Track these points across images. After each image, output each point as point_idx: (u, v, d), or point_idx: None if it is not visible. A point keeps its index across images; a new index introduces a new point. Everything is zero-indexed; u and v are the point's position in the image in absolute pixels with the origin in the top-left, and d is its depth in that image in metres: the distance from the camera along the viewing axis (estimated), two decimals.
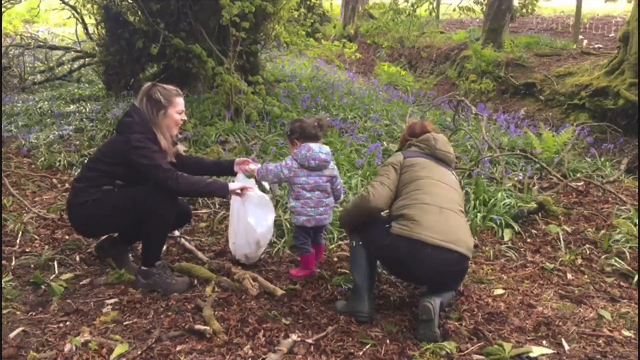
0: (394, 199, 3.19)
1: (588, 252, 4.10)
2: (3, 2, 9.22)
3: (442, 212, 3.04)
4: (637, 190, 5.33)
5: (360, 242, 3.20)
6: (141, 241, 3.58)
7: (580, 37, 12.59)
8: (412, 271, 3.13)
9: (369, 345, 2.87)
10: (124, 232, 3.68)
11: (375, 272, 3.35)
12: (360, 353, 2.80)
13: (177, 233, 4.20)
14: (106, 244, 3.77)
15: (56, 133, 6.90)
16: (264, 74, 8.25)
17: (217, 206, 4.87)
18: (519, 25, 15.39)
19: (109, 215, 3.39)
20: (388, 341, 2.92)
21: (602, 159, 6.43)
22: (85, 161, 3.58)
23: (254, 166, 3.77)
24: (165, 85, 3.54)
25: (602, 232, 4.37)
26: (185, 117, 3.61)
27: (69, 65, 11.27)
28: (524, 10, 13.67)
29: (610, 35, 12.95)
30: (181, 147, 3.70)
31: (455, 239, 2.98)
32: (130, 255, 3.82)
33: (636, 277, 3.71)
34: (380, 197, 3.16)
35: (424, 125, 3.52)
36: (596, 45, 11.81)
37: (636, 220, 4.45)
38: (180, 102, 3.51)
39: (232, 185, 3.54)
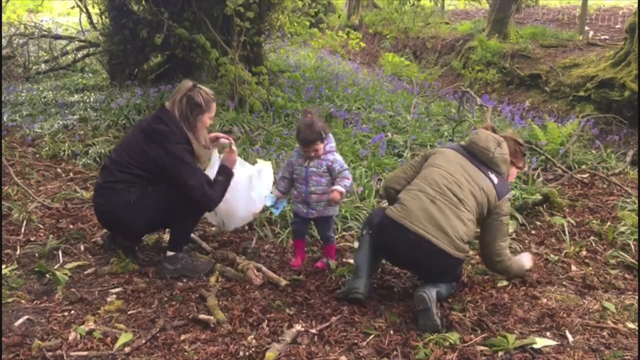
0: None
1: (593, 244, 4.09)
2: None
3: (434, 203, 3.03)
4: None
5: (370, 232, 3.23)
6: (170, 229, 3.67)
7: (587, 28, 12.52)
8: (395, 254, 3.23)
9: (372, 335, 2.87)
10: (156, 226, 3.69)
11: (378, 260, 3.37)
12: (364, 343, 2.80)
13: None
14: (119, 237, 3.76)
15: (60, 123, 6.90)
16: (268, 64, 8.24)
17: None
18: (525, 16, 15.31)
19: (153, 211, 3.43)
20: (392, 332, 2.92)
21: (608, 151, 6.39)
22: (109, 162, 3.51)
23: (225, 140, 3.80)
24: (205, 88, 3.52)
25: (607, 224, 4.35)
26: (212, 122, 3.66)
27: (73, 55, 11.24)
28: (530, 1, 13.58)
29: (616, 27, 12.87)
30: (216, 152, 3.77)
31: (437, 233, 2.97)
32: (136, 248, 3.82)
33: None
34: (391, 176, 3.42)
35: (487, 125, 3.55)
36: (602, 37, 11.74)
37: None
38: (214, 107, 3.55)
39: (225, 161, 3.60)
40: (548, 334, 2.91)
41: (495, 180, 3.19)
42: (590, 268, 3.75)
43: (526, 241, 4.19)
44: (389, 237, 3.11)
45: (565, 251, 3.98)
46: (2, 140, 6.29)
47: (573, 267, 3.76)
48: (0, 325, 2.82)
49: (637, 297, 3.35)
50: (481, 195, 3.12)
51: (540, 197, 4.66)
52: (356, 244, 3.76)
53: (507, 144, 3.33)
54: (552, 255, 3.91)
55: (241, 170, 3.80)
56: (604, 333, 2.93)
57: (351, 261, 3.68)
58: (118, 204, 3.39)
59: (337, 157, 3.57)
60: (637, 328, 2.97)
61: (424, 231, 2.98)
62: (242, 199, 3.77)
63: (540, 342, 2.77)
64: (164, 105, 3.55)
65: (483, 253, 3.33)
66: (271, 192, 3.69)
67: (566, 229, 4.25)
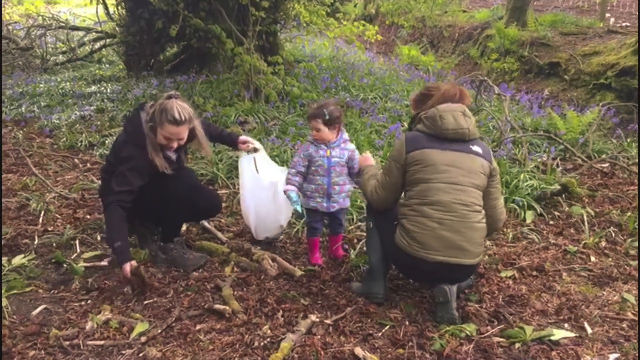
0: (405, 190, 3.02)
1: (612, 234, 4.03)
2: None
3: (443, 225, 2.81)
4: None
5: (375, 223, 3.16)
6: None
7: (607, 15, 12.29)
8: (415, 278, 3.22)
9: (387, 326, 2.86)
10: (149, 215, 3.69)
11: None
12: (379, 334, 2.79)
13: (205, 223, 4.12)
14: (136, 222, 3.77)
15: (77, 113, 6.95)
16: (284, 54, 8.19)
17: (237, 187, 4.86)
18: (544, 3, 15.06)
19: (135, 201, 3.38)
20: (407, 323, 2.90)
21: (629, 140, 6.28)
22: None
23: (258, 145, 3.78)
24: (177, 105, 3.23)
25: (628, 214, 4.28)
26: (174, 145, 3.33)
27: (90, 46, 11.30)
28: None
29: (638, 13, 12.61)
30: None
31: (459, 253, 2.82)
32: (155, 237, 3.83)
33: None
34: (382, 203, 3.07)
35: (442, 92, 3.05)
36: (623, 24, 11.51)
37: None
38: (169, 129, 3.22)
39: (126, 268, 3.10)
40: (566, 325, 2.88)
41: (480, 150, 2.93)
42: (610, 259, 3.70)
43: (544, 232, 4.14)
44: (407, 266, 3.05)
45: (584, 242, 3.92)
46: (21, 131, 6.36)
47: (592, 258, 3.71)
48: (0, 323, 2.87)
49: None
50: (482, 179, 2.90)
51: (559, 187, 4.59)
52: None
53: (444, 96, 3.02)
54: (570, 246, 3.86)
55: (263, 179, 3.72)
56: (624, 325, 2.89)
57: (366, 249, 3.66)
58: (101, 193, 3.68)
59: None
60: None
61: (444, 257, 2.81)
62: (267, 207, 3.73)
63: (558, 334, 2.74)
64: (142, 104, 3.44)
65: (490, 218, 2.99)
66: (292, 190, 3.42)
67: (585, 219, 4.19)
